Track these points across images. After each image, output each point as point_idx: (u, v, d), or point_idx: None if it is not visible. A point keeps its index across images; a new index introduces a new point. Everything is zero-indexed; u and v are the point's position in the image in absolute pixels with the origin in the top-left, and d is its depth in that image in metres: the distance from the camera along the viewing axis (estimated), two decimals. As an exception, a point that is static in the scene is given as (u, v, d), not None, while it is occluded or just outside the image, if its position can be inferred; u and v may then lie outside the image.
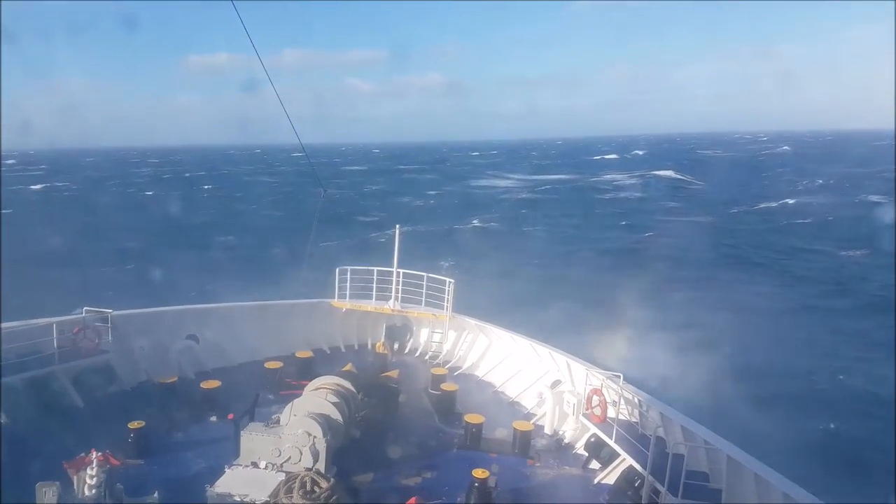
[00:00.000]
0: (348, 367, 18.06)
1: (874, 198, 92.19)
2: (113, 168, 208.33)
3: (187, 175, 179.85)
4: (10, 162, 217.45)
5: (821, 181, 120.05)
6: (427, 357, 22.16)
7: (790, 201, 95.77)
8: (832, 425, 27.04)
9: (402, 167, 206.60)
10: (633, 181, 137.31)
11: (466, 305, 22.66)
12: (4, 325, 15.39)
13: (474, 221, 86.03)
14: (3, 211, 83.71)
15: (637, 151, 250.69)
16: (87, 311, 17.04)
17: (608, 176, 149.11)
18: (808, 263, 57.56)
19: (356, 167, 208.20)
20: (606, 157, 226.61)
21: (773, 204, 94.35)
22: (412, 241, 67.61)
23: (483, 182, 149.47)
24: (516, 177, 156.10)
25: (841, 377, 32.12)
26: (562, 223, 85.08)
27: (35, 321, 16.15)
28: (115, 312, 17.29)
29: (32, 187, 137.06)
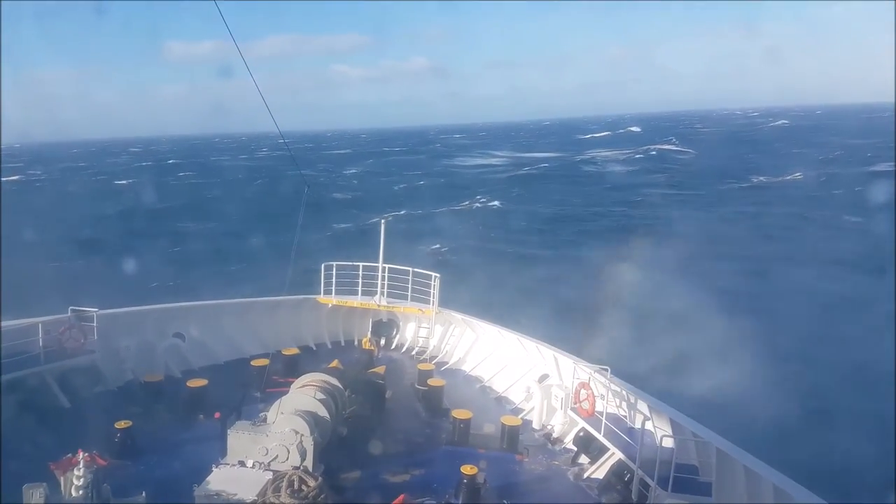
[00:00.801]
0: (335, 363, 18.02)
1: (885, 166, 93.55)
2: (92, 158, 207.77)
3: (170, 162, 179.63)
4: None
5: (829, 153, 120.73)
6: (414, 352, 22.16)
7: (799, 174, 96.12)
8: (828, 419, 27.09)
9: (387, 149, 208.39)
10: (638, 156, 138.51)
11: (454, 292, 22.69)
12: None
13: (465, 202, 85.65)
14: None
15: (632, 128, 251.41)
16: (72, 311, 16.90)
17: (610, 152, 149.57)
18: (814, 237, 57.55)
19: (342, 150, 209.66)
20: (597, 135, 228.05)
21: (789, 177, 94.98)
22: (399, 224, 68.35)
23: (477, 161, 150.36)
24: (517, 154, 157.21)
25: (838, 363, 32.09)
26: (569, 203, 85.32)
27: (20, 321, 16.01)
28: (101, 311, 17.17)
29: (5, 179, 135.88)
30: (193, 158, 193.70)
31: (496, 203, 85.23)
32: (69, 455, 10.74)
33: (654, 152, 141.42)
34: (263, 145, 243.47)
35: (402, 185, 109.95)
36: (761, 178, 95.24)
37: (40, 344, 15.73)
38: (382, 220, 22.50)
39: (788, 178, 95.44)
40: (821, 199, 76.23)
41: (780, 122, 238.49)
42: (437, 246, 58.85)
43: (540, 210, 78.82)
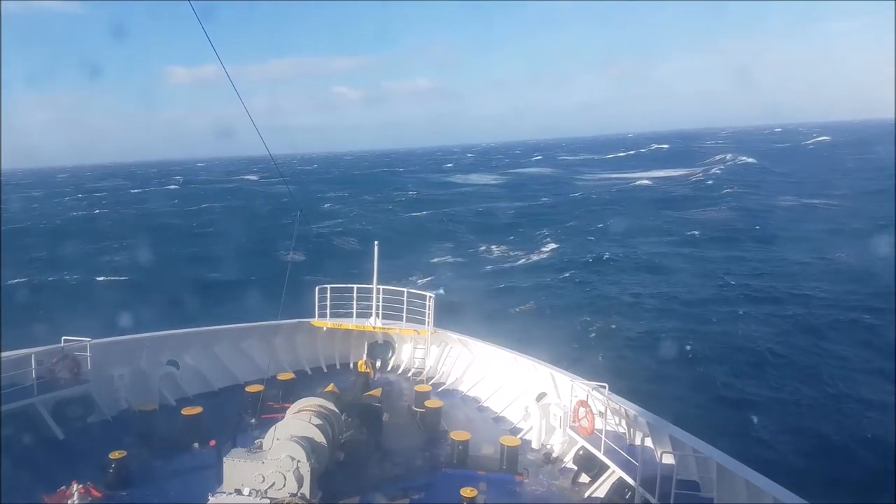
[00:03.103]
0: (330, 387, 17.90)
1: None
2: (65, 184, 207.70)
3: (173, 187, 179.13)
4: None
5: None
6: (410, 374, 22.04)
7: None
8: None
9: (399, 170, 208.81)
10: (715, 170, 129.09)
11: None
12: None
13: (543, 234, 76.49)
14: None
15: (658, 145, 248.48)
16: (65, 341, 16.80)
17: (668, 172, 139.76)
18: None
19: (344, 171, 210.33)
20: (625, 153, 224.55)
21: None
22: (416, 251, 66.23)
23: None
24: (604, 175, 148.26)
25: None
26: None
27: (12, 353, 15.89)
28: (94, 341, 17.06)
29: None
30: (186, 182, 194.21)
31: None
32: (63, 487, 10.66)
33: (730, 167, 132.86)
34: (266, 167, 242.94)
35: (428, 214, 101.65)
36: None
37: (33, 375, 15.59)
38: (376, 243, 22.46)
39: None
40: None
41: (821, 139, 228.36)
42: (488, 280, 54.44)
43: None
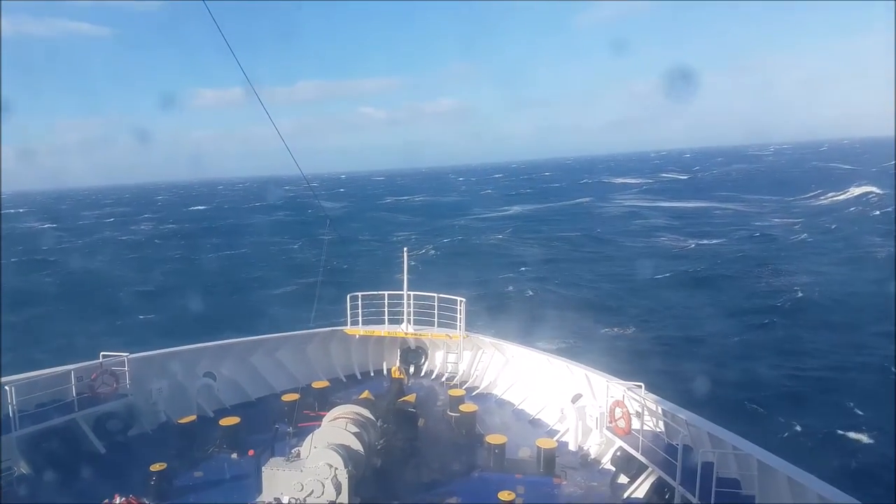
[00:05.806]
0: (365, 394, 17.96)
1: None
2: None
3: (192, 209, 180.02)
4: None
5: None
6: (444, 379, 22.03)
7: None
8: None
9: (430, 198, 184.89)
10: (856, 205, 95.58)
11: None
12: (24, 375, 15.45)
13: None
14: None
15: (712, 170, 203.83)
16: (103, 356, 17.10)
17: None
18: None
19: (389, 199, 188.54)
20: (686, 175, 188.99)
21: None
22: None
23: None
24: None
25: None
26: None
27: (52, 370, 16.20)
28: (132, 355, 17.34)
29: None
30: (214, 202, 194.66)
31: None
32: (106, 500, 10.79)
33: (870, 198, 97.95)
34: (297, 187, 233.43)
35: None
36: None
37: (73, 392, 15.88)
38: (405, 249, 22.49)
39: None
40: None
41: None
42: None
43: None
